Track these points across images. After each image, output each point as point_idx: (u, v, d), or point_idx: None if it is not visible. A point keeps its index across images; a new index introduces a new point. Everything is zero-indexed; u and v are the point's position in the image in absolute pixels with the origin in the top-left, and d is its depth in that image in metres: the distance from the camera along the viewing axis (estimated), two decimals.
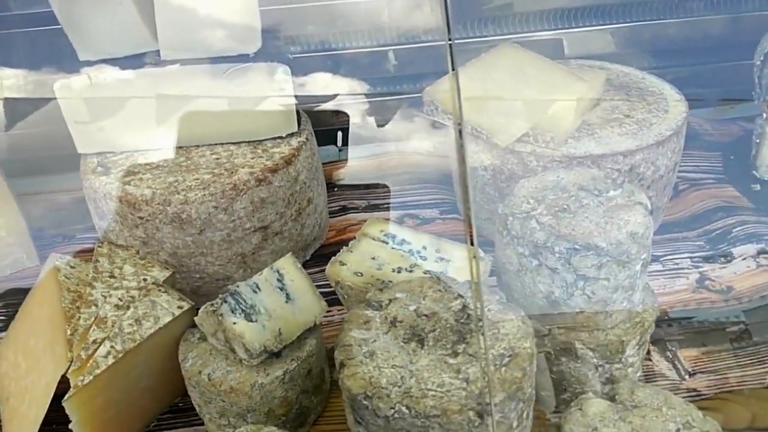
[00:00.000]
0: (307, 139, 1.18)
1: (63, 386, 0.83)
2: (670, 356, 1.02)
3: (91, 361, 0.82)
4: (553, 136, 1.12)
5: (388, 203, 1.42)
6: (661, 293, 1.12)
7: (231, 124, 1.13)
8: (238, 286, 0.85)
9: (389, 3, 1.52)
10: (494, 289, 0.77)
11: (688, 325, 1.06)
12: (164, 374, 0.92)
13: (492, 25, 1.57)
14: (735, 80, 1.52)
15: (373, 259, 0.90)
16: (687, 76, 1.56)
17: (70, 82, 1.07)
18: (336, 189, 1.45)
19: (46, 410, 0.84)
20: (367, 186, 1.47)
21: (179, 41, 1.06)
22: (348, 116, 1.58)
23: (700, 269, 1.16)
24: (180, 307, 0.89)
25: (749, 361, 1.00)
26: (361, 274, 0.88)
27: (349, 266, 0.89)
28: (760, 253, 1.19)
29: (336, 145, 1.57)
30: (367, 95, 1.58)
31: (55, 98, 1.07)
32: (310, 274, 0.96)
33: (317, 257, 1.24)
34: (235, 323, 0.82)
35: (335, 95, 1.55)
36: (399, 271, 0.88)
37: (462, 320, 0.67)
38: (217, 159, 1.11)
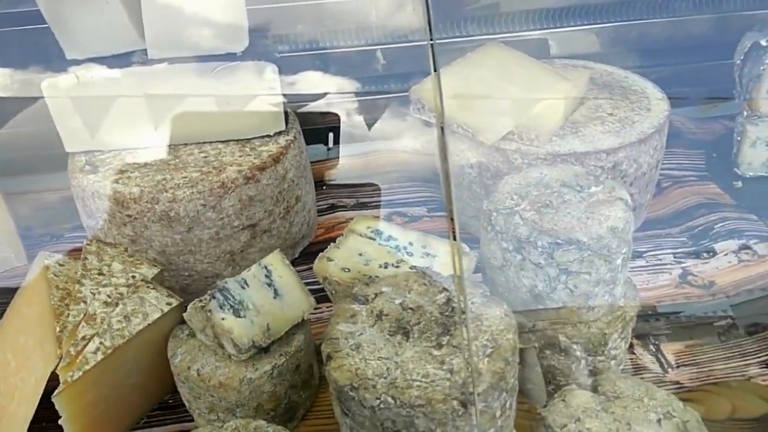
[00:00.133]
0: (295, 137, 1.19)
1: (53, 384, 0.84)
2: (654, 350, 1.03)
3: (80, 357, 0.82)
4: (537, 134, 1.14)
5: (377, 201, 1.43)
6: (644, 288, 1.14)
7: (219, 123, 1.14)
8: (226, 282, 0.85)
9: (377, 2, 1.53)
10: (479, 283, 0.79)
11: (671, 320, 1.08)
12: (153, 371, 0.93)
13: (478, 25, 1.59)
14: (717, 79, 1.55)
15: (360, 255, 0.92)
16: (670, 76, 1.59)
17: (57, 81, 1.07)
18: (324, 187, 1.47)
19: (35, 408, 0.84)
20: (356, 184, 1.48)
21: (166, 40, 1.07)
22: (338, 116, 1.59)
23: (683, 265, 1.19)
24: (169, 304, 0.89)
25: (731, 354, 1.02)
26: (349, 270, 0.89)
27: (337, 262, 0.90)
28: (741, 248, 1.21)
29: (325, 144, 1.58)
30: (355, 94, 1.59)
31: (43, 97, 1.07)
32: (299, 271, 0.97)
33: (306, 255, 1.25)
34: (223, 319, 0.82)
35: (325, 94, 1.56)
36: (386, 267, 0.90)
37: (446, 313, 0.69)
38: (206, 157, 1.12)
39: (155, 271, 0.94)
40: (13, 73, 1.15)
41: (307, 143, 1.27)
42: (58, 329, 0.86)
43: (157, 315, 0.88)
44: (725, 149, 1.42)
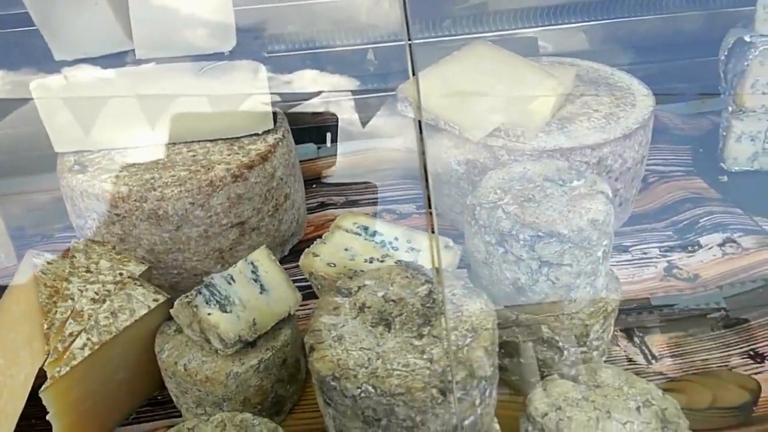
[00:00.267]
0: (283, 136, 1.20)
1: (41, 381, 0.84)
2: (638, 342, 1.05)
3: (67, 352, 0.83)
4: (524, 131, 1.15)
5: (366, 199, 1.44)
6: (630, 282, 1.15)
7: (207, 122, 1.15)
8: (212, 278, 0.86)
9: (367, 1, 1.55)
10: (460, 275, 0.80)
11: (656, 312, 1.10)
12: (141, 367, 0.94)
13: (468, 24, 1.61)
14: (704, 75, 1.56)
15: (346, 250, 0.93)
16: (657, 72, 1.60)
17: (46, 82, 1.08)
18: (315, 186, 1.48)
19: (23, 404, 0.85)
20: (346, 182, 1.49)
21: (154, 40, 1.08)
22: (330, 115, 1.60)
23: (668, 258, 1.20)
24: (155, 300, 0.90)
25: (714, 346, 1.04)
26: (334, 265, 0.90)
27: (323, 257, 0.91)
28: (726, 241, 1.22)
29: (315, 143, 1.59)
30: (346, 93, 1.60)
31: (32, 98, 1.08)
32: (288, 269, 0.98)
33: (296, 253, 1.26)
34: (209, 314, 0.83)
35: (316, 93, 1.57)
36: (371, 261, 0.90)
37: (428, 304, 0.70)
38: (194, 156, 1.13)
39: (143, 268, 0.95)
40: (2, 75, 1.15)
41: (298, 142, 1.28)
42: (46, 326, 0.87)
43: (143, 311, 0.89)
44: (711, 144, 1.43)
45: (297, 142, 1.28)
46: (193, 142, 1.15)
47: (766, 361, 1.00)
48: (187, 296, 0.85)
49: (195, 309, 0.83)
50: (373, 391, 0.61)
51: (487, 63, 1.27)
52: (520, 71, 1.25)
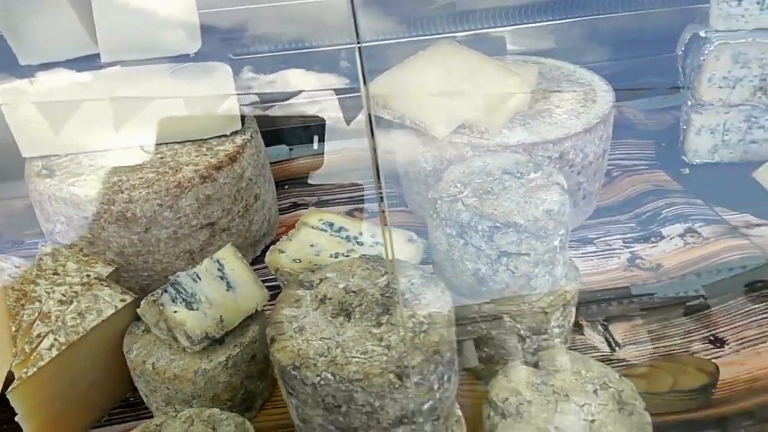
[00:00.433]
0: (251, 136, 1.21)
1: (10, 384, 0.84)
2: (602, 330, 1.07)
3: (34, 353, 0.84)
4: (487, 127, 1.18)
5: (338, 198, 1.46)
6: (594, 273, 1.18)
7: (175, 124, 1.15)
8: (178, 276, 0.87)
9: (340, 2, 1.56)
10: (421, 267, 0.82)
11: (619, 302, 1.12)
12: (112, 368, 0.94)
13: (436, 23, 1.63)
14: (665, 71, 1.60)
15: (312, 246, 0.94)
16: (623, 69, 1.64)
17: (11, 87, 1.08)
18: (287, 186, 1.49)
19: None
20: (318, 183, 1.51)
21: (119, 43, 1.08)
22: (308, 116, 1.61)
23: (631, 249, 1.23)
24: (123, 300, 0.91)
25: (675, 332, 1.07)
26: (300, 261, 0.92)
27: (288, 254, 0.92)
28: (687, 231, 1.26)
29: (290, 144, 1.61)
30: (317, 94, 1.61)
31: None
32: (260, 269, 0.99)
33: None
34: (176, 312, 0.84)
35: (294, 93, 1.58)
36: (336, 256, 0.92)
37: (387, 294, 0.71)
38: (162, 158, 1.13)
39: (110, 269, 0.96)
40: None
41: (271, 144, 1.29)
42: (13, 329, 0.87)
43: (111, 311, 0.89)
44: (673, 138, 1.47)
45: (270, 144, 1.29)
46: (161, 144, 1.16)
47: (725, 346, 1.03)
48: (153, 295, 0.86)
49: (161, 307, 0.84)
50: (332, 378, 0.63)
51: (452, 62, 1.29)
52: (484, 69, 1.28)
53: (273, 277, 1.04)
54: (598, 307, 1.11)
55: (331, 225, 0.97)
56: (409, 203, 1.38)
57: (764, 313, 1.07)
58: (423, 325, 0.67)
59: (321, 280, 0.76)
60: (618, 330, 1.07)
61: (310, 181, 1.51)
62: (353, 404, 0.64)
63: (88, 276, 0.93)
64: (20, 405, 0.83)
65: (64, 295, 0.90)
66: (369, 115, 0.72)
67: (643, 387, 0.96)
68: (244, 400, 0.92)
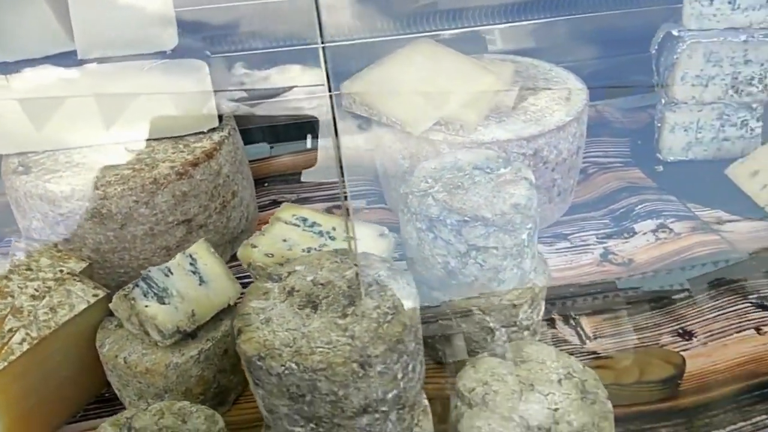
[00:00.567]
0: (229, 134, 1.22)
1: None
2: (574, 324, 1.09)
3: (5, 348, 0.84)
4: (462, 125, 1.19)
5: (317, 196, 1.47)
6: (567, 268, 1.20)
7: (151, 121, 1.16)
8: (149, 271, 0.88)
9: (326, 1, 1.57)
10: (387, 259, 0.83)
11: (591, 296, 1.14)
12: (86, 364, 0.95)
13: (417, 22, 1.65)
14: (640, 70, 1.63)
15: (285, 241, 0.95)
16: (600, 68, 1.66)
17: None
18: (267, 184, 1.50)
19: None
20: (298, 180, 1.52)
21: (95, 40, 1.09)
22: (285, 115, 1.62)
23: (605, 245, 1.25)
24: (95, 296, 0.91)
25: (644, 325, 1.08)
26: (272, 255, 0.93)
27: (260, 248, 0.93)
28: (659, 227, 1.28)
29: (271, 142, 1.62)
30: (299, 91, 1.62)
31: None
32: (237, 265, 0.99)
33: None
34: (147, 306, 0.85)
35: (276, 92, 1.59)
36: (308, 251, 0.93)
37: (353, 286, 0.72)
38: (138, 155, 1.14)
39: (83, 265, 0.96)
40: None
41: (251, 142, 1.30)
42: None
43: (83, 306, 0.90)
44: (648, 136, 1.49)
45: (249, 142, 1.30)
46: (137, 140, 1.16)
47: (693, 339, 1.05)
48: (124, 290, 0.87)
49: (132, 302, 0.85)
50: (296, 368, 0.64)
51: (429, 60, 1.31)
52: (461, 68, 1.29)
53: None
54: (570, 301, 1.12)
55: (304, 220, 0.98)
56: (388, 200, 1.40)
57: (732, 306, 1.09)
58: (387, 316, 0.68)
59: (290, 272, 0.77)
60: (589, 323, 1.09)
61: (290, 179, 1.52)
62: (317, 393, 0.65)
63: (61, 271, 0.94)
64: None
65: (36, 290, 0.91)
66: (333, 112, 0.73)
67: (611, 378, 0.98)
68: (217, 394, 0.93)
